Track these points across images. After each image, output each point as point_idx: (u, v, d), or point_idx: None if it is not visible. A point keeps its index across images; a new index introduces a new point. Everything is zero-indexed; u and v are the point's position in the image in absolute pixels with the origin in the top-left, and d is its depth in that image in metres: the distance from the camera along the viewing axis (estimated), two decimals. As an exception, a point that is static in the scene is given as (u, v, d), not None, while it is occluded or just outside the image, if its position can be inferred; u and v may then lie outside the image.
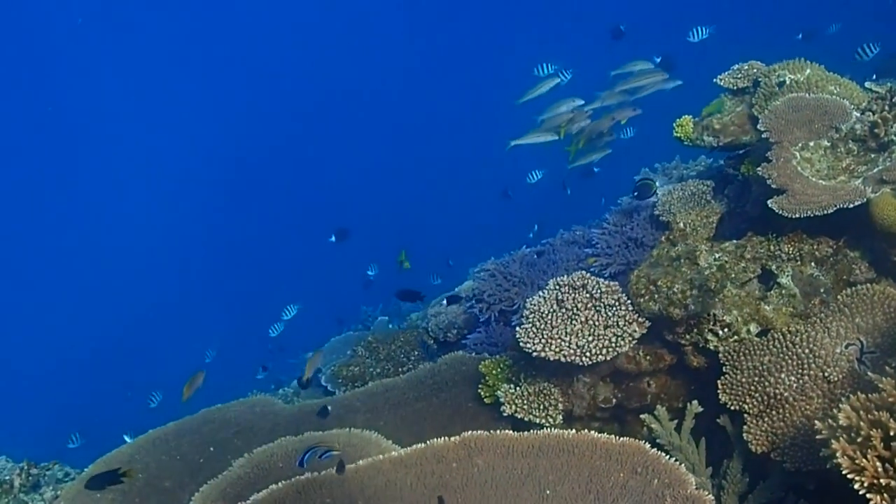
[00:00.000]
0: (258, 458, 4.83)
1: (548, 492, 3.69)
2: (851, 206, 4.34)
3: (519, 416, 4.85)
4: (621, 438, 3.89)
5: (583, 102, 6.36)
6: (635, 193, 5.96)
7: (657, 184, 6.15)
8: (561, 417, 4.81)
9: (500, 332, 6.10)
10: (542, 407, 4.81)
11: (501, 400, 4.95)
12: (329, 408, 5.69)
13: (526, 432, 4.07)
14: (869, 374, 3.80)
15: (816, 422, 3.45)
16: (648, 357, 4.77)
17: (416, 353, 6.59)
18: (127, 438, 6.82)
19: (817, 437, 3.39)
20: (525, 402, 4.86)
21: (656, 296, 4.58)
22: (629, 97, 6.49)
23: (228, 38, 38.38)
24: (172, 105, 38.08)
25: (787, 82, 5.51)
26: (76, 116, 36.66)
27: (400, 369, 6.39)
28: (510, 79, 7.60)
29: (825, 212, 4.37)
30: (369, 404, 5.59)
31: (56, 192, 36.27)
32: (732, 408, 4.28)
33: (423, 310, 8.69)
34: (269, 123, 36.87)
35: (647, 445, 3.85)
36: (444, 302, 6.44)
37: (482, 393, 5.25)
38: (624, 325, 4.59)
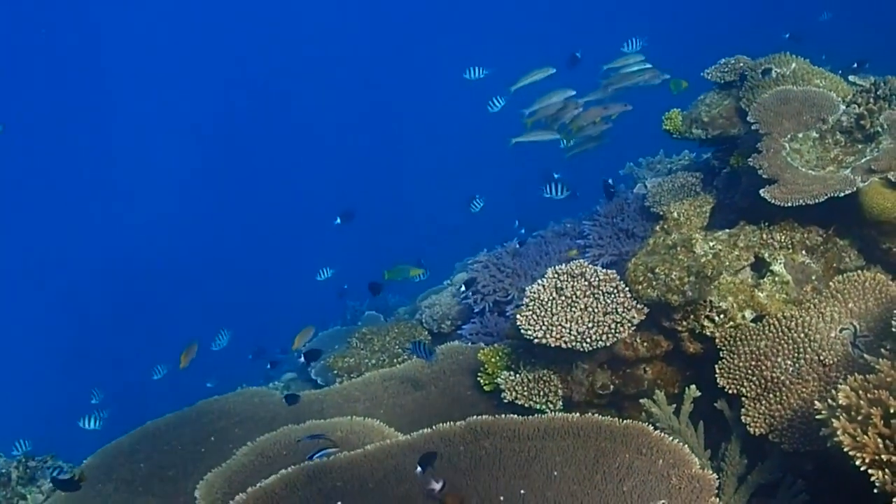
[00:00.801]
0: (262, 446, 4.87)
1: (555, 473, 3.77)
2: (842, 195, 4.47)
3: (519, 403, 4.92)
4: (625, 421, 3.97)
5: (574, 93, 6.43)
6: (612, 190, 6.11)
7: (613, 183, 6.31)
8: (561, 403, 4.89)
9: (495, 322, 6.18)
10: (542, 393, 4.89)
11: (502, 387, 5.02)
12: (300, 395, 5.76)
13: (531, 416, 4.14)
14: (865, 356, 3.91)
15: (816, 402, 3.55)
16: (645, 344, 4.86)
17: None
18: (83, 425, 6.85)
19: (817, 416, 3.49)
20: (525, 388, 4.94)
21: (654, 283, 4.67)
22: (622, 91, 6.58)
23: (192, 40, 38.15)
24: (139, 106, 37.77)
25: (774, 76, 5.62)
26: (53, 116, 36.30)
27: (395, 360, 6.44)
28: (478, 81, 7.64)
29: (816, 201, 4.49)
30: (368, 393, 5.65)
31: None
32: (730, 391, 4.37)
33: (410, 304, 8.77)
34: (245, 122, 36.72)
35: (651, 427, 3.94)
36: (463, 287, 6.46)
37: (482, 381, 5.32)
38: (623, 312, 4.67)
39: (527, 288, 4.96)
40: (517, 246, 6.64)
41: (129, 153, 37.24)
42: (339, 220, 9.69)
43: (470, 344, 6.04)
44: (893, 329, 3.82)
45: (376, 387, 5.72)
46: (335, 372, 6.45)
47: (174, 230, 32.44)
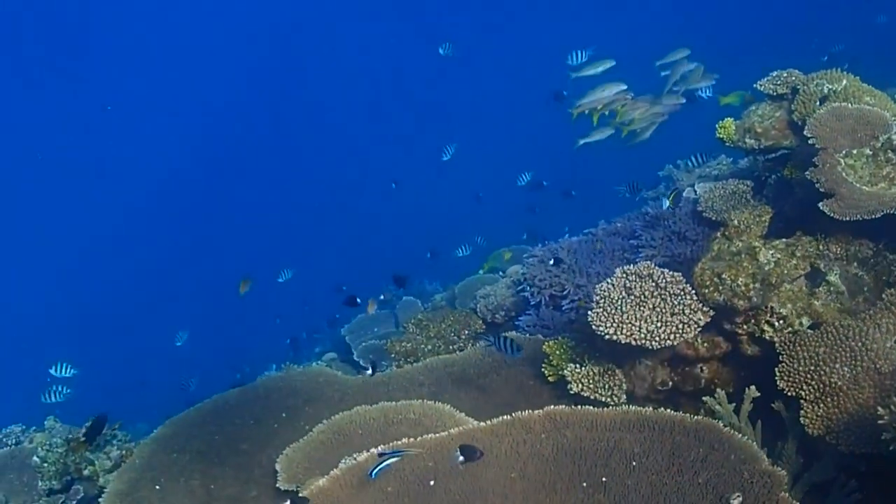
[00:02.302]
0: (338, 424, 5.13)
1: (634, 463, 4.03)
2: (896, 212, 4.70)
3: (585, 395, 5.17)
4: (696, 417, 4.23)
5: (625, 87, 6.63)
6: (669, 203, 6.29)
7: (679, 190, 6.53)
8: (624, 397, 5.16)
9: (551, 315, 6.42)
10: (607, 386, 5.15)
11: (568, 378, 5.28)
12: (378, 367, 6.04)
13: (606, 408, 4.40)
14: (921, 367, 4.16)
15: (879, 408, 3.80)
16: (706, 344, 5.13)
17: (466, 332, 6.89)
18: (53, 372, 7.10)
19: (878, 422, 3.74)
20: (591, 381, 5.19)
21: (721, 287, 4.92)
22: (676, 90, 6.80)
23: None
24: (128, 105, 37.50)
25: (826, 92, 5.83)
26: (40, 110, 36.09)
27: (450, 347, 6.69)
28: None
29: (873, 216, 4.73)
30: (432, 378, 5.90)
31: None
32: (789, 394, 4.61)
33: (446, 290, 9.02)
34: (243, 118, 36.68)
35: (721, 424, 4.19)
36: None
37: (546, 372, 5.58)
38: (689, 314, 4.93)
39: (597, 286, 5.21)
40: (572, 241, 6.87)
41: (136, 145, 37.22)
42: (394, 185, 10.24)
43: (528, 335, 6.28)
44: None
45: (439, 372, 5.96)
46: (392, 356, 6.70)
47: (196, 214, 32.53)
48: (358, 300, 7.93)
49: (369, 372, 5.86)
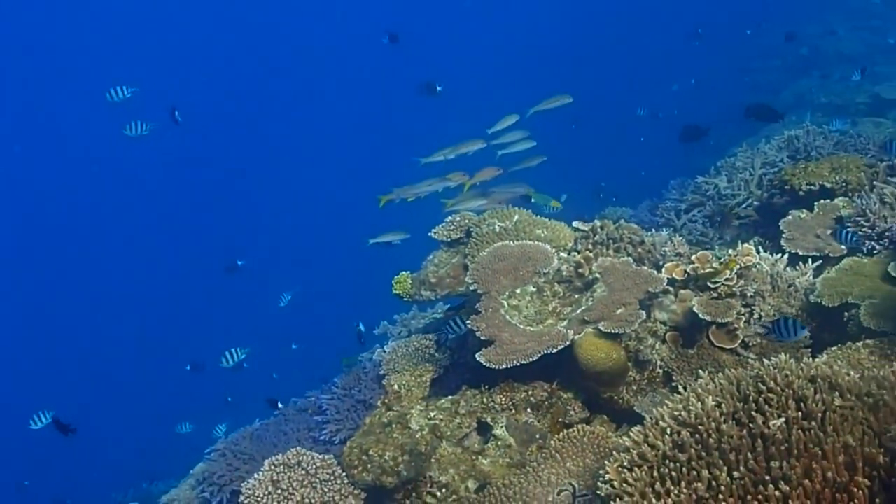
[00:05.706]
0: None
1: None
2: (555, 350, 4.44)
3: None
4: None
5: (441, 188, 6.81)
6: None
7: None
8: None
9: (234, 515, 5.89)
10: None
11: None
12: None
13: None
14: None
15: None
16: (371, 526, 4.70)
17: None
18: None
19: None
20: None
21: (369, 466, 4.53)
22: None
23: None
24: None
25: (497, 229, 5.65)
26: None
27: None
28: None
29: (530, 360, 4.46)
30: None
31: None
32: (456, 567, 4.25)
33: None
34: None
35: None
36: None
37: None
38: (340, 501, 4.51)
39: (242, 485, 4.74)
40: (257, 427, 6.39)
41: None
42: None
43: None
44: (598, 493, 3.74)
45: None
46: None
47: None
48: None
49: None
